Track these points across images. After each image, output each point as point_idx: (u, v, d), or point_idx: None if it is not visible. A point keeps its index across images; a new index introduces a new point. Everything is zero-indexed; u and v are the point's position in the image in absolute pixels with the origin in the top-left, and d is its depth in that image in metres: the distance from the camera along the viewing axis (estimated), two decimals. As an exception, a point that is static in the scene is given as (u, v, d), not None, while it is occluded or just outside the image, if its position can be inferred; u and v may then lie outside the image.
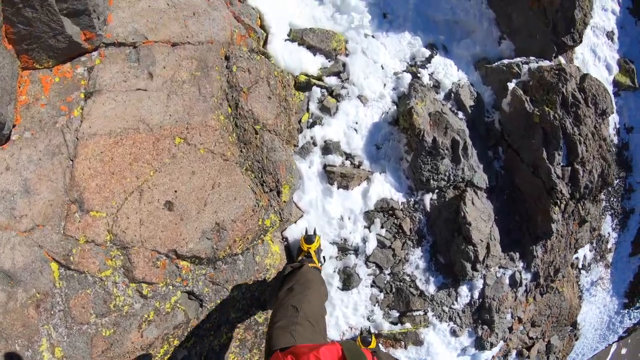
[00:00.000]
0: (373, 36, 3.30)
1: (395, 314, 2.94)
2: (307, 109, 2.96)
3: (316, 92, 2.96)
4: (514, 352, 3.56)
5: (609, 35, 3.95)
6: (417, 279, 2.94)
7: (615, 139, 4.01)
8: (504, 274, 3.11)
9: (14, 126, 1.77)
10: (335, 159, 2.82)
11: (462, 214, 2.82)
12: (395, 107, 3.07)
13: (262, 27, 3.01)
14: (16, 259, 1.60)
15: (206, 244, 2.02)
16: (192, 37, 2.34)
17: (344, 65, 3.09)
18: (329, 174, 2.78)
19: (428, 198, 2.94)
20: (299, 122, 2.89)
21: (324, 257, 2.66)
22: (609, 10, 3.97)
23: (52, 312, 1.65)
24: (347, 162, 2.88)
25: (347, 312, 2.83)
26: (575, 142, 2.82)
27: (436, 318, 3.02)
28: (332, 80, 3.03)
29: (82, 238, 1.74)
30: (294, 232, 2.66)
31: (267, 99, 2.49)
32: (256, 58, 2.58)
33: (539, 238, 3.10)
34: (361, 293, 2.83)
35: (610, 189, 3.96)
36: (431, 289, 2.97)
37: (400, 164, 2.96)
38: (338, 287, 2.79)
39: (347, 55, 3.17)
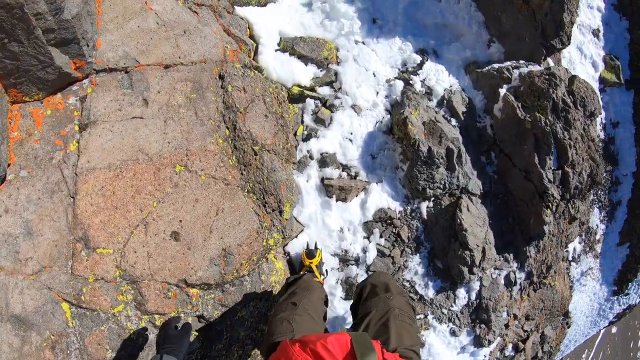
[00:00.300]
0: (364, 42, 3.28)
1: (396, 319, 3.01)
2: (302, 121, 2.96)
3: (310, 103, 2.96)
4: (510, 346, 3.69)
5: (595, 33, 4.00)
6: (417, 284, 3.01)
7: (602, 134, 4.12)
8: (499, 274, 3.21)
9: (8, 165, 1.72)
10: (333, 172, 2.84)
11: (458, 220, 2.88)
12: (388, 115, 3.08)
13: (252, 37, 2.97)
14: (26, 302, 1.59)
15: (214, 270, 2.03)
16: (185, 57, 2.30)
17: (336, 74, 3.09)
18: (327, 187, 2.80)
19: (424, 206, 2.99)
20: (295, 135, 2.89)
21: (326, 270, 2.70)
22: (594, 7, 4.01)
23: (68, 351, 1.65)
24: (344, 174, 2.90)
25: (351, 320, 2.88)
26: (565, 146, 2.89)
27: (436, 320, 3.11)
28: (325, 91, 3.03)
29: (91, 276, 1.73)
30: (296, 246, 2.69)
31: (264, 117, 2.48)
32: (250, 75, 2.56)
33: (531, 239, 3.19)
34: (363, 302, 2.89)
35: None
36: (430, 293, 3.05)
37: (396, 173, 3.00)
38: (341, 297, 2.84)
39: (338, 63, 3.15)
